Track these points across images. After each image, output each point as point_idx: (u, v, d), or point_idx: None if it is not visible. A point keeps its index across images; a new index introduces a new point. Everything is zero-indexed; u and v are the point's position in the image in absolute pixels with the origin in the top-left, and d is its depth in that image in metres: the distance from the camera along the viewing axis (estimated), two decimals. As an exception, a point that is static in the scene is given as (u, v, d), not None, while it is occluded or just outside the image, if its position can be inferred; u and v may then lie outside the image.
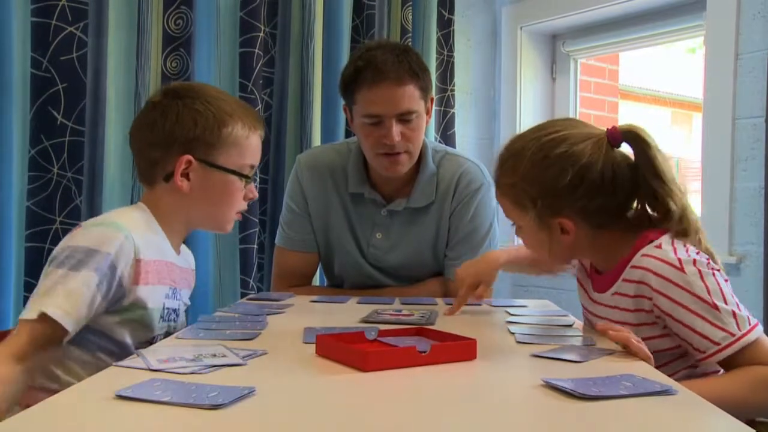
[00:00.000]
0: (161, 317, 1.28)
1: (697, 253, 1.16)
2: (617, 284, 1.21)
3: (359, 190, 1.79)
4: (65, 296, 1.12)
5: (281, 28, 2.45)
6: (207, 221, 1.41)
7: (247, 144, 1.34)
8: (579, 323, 1.35)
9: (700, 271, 1.12)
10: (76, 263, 1.14)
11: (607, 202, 1.19)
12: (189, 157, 1.28)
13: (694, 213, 1.23)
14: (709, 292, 1.10)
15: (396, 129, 1.64)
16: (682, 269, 1.12)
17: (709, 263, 1.14)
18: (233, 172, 1.33)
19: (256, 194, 1.42)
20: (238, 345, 1.07)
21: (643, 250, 1.18)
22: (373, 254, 1.82)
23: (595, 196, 1.18)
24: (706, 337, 1.09)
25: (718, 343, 1.09)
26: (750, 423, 0.99)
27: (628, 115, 3.72)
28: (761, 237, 2.10)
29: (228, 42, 2.36)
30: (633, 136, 1.19)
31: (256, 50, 2.32)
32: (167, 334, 1.31)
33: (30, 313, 1.10)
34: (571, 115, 2.97)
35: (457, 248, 1.80)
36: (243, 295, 2.24)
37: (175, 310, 1.34)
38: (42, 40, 2.01)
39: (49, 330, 1.10)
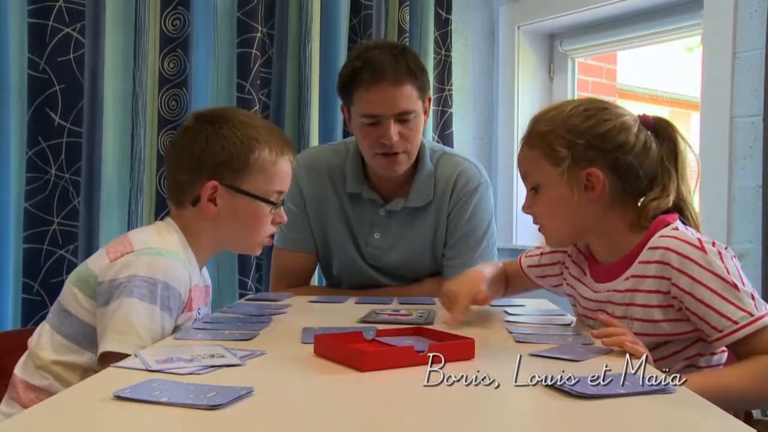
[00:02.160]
0: None
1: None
2: (633, 268, 1.20)
3: (357, 189, 1.79)
4: (148, 335, 1.15)
5: (278, 29, 2.45)
6: (235, 244, 1.44)
7: (275, 170, 1.35)
8: (577, 322, 1.35)
9: (720, 251, 1.13)
10: (149, 295, 1.17)
11: (637, 163, 1.21)
12: (215, 182, 1.30)
13: (696, 211, 1.25)
14: (728, 272, 1.11)
15: (394, 129, 1.64)
16: (702, 249, 1.13)
17: (726, 247, 1.15)
18: (259, 198, 1.34)
19: (284, 219, 1.42)
20: (236, 345, 1.07)
21: (661, 232, 1.18)
22: (371, 254, 1.82)
23: (629, 152, 1.20)
24: (724, 315, 1.09)
25: (736, 322, 1.08)
26: (748, 422, 1.00)
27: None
28: (759, 235, 2.10)
29: (225, 42, 2.36)
30: (662, 121, 1.25)
31: (254, 51, 2.32)
32: None
33: (115, 345, 1.13)
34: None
35: (455, 248, 1.80)
36: (241, 296, 2.24)
37: None
38: (39, 42, 2.01)
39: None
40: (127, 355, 1.09)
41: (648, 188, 1.23)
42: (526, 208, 1.31)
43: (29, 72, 2.01)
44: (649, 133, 1.23)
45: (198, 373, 0.90)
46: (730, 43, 2.19)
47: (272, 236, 1.44)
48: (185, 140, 1.33)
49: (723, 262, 1.12)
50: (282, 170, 1.37)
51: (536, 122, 1.28)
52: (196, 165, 1.31)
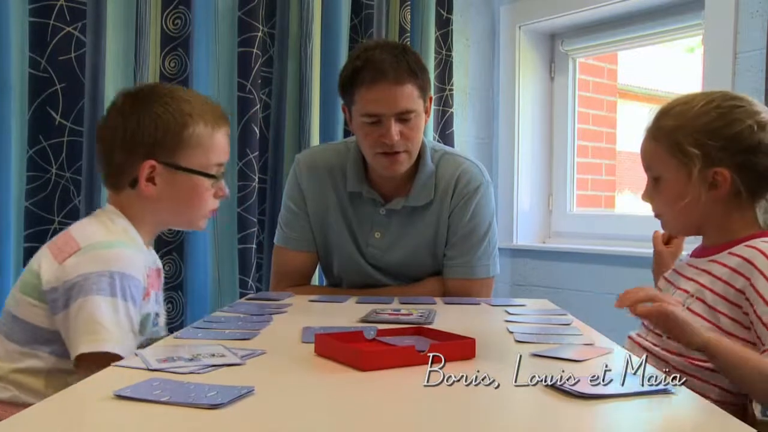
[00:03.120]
0: (152, 323, 1.28)
1: None
2: (721, 255, 1.21)
3: (358, 189, 1.79)
4: (117, 328, 1.13)
5: (279, 28, 2.45)
6: (179, 221, 1.40)
7: (212, 143, 1.32)
8: (577, 322, 1.35)
9: None
10: (109, 289, 1.15)
11: (765, 164, 1.19)
12: (152, 162, 1.27)
13: None
14: None
15: (395, 128, 1.64)
16: None
17: None
18: (199, 173, 1.31)
19: (227, 192, 1.39)
20: (236, 345, 1.07)
21: (763, 238, 1.18)
22: (371, 253, 1.82)
23: (759, 154, 1.18)
24: None
25: None
26: (752, 422, 1.00)
27: (626, 115, 3.72)
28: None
29: (226, 42, 2.36)
30: None
31: (255, 50, 2.32)
32: (151, 339, 1.31)
33: (86, 347, 1.11)
34: (568, 115, 2.98)
35: (456, 247, 1.79)
36: (242, 295, 2.24)
37: (157, 314, 1.34)
38: (40, 40, 2.01)
39: (102, 361, 1.08)
40: (104, 354, 1.09)
41: None
42: (646, 197, 1.32)
43: (30, 71, 2.00)
44: None
45: (198, 373, 0.90)
46: (731, 44, 2.19)
47: (215, 210, 1.40)
48: (116, 121, 1.29)
49: None
50: (219, 142, 1.34)
51: (662, 115, 1.26)
52: (130, 146, 1.27)
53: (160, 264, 1.44)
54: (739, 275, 1.15)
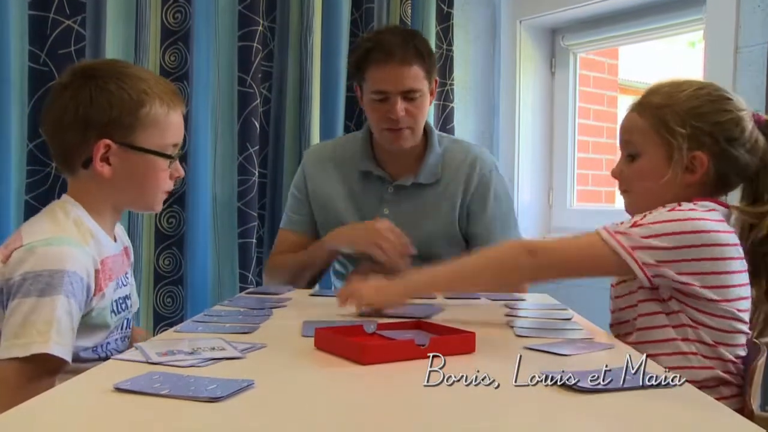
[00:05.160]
0: (113, 312, 1.25)
1: None
2: None
3: (367, 168, 1.89)
4: (47, 326, 1.07)
5: (280, 22, 2.44)
6: (134, 204, 1.36)
7: (167, 122, 1.27)
8: (578, 317, 1.36)
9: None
10: (46, 288, 1.09)
11: (742, 159, 1.21)
12: (107, 141, 1.22)
13: None
14: None
15: (401, 105, 1.76)
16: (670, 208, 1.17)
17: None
18: (155, 153, 1.27)
19: (182, 173, 1.35)
20: (236, 338, 1.07)
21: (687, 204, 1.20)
22: None
23: (739, 147, 1.21)
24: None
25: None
26: (749, 416, 1.00)
27: (627, 110, 3.71)
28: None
29: (227, 36, 2.35)
30: None
31: (255, 44, 2.31)
32: (126, 321, 1.31)
33: (13, 351, 1.05)
34: (569, 110, 2.97)
35: (489, 228, 1.87)
36: (242, 290, 2.24)
37: (125, 297, 1.31)
38: (40, 34, 2.00)
39: (40, 366, 1.06)
40: (36, 356, 1.05)
41: (750, 182, 1.24)
42: (617, 173, 1.32)
43: (30, 64, 2.00)
44: (758, 133, 1.24)
45: (198, 366, 0.90)
46: (733, 39, 2.18)
47: (171, 192, 1.38)
48: (65, 99, 1.22)
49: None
50: (175, 122, 1.29)
51: (651, 93, 1.27)
52: (83, 125, 1.21)
53: (127, 243, 1.41)
54: None
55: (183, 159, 2.28)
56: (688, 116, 1.21)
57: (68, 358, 1.09)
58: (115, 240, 1.33)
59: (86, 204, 1.26)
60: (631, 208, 1.31)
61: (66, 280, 1.11)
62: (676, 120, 1.21)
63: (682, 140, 1.20)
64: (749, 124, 1.22)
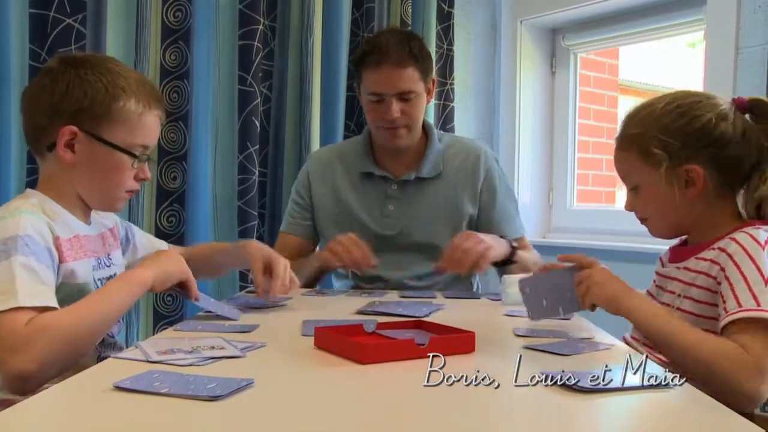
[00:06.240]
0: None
1: None
2: (704, 252, 1.20)
3: (368, 169, 1.91)
4: (14, 285, 1.05)
5: (280, 21, 2.44)
6: (94, 197, 1.33)
7: (140, 122, 1.27)
8: (578, 317, 1.35)
9: None
10: (1, 255, 1.08)
11: (737, 153, 1.20)
12: (73, 128, 1.22)
13: None
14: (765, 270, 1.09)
15: (396, 106, 1.79)
16: (761, 245, 1.12)
17: None
18: (119, 149, 1.26)
19: (148, 175, 1.34)
20: (236, 337, 1.07)
21: (744, 229, 1.18)
22: (387, 224, 1.89)
23: (727, 144, 1.19)
24: (737, 297, 1.08)
25: (741, 305, 1.07)
26: (749, 417, 1.00)
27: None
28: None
29: (227, 35, 2.35)
30: (758, 101, 1.23)
31: (256, 43, 2.31)
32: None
33: None
34: (569, 110, 2.97)
35: (503, 220, 1.92)
36: (242, 288, 2.24)
37: (110, 278, 1.30)
38: (40, 32, 2.00)
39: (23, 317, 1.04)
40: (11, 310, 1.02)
41: (755, 170, 1.21)
42: (628, 207, 1.32)
43: (30, 63, 2.00)
44: (746, 116, 1.22)
45: (198, 365, 0.90)
46: (734, 39, 2.18)
47: (134, 191, 1.35)
48: (45, 82, 1.24)
49: None
50: (147, 123, 1.29)
51: (627, 124, 1.27)
52: (55, 109, 1.23)
53: (110, 224, 1.41)
54: (715, 264, 1.16)
55: (183, 158, 2.28)
56: (665, 135, 1.20)
57: (51, 303, 1.07)
58: (90, 224, 1.32)
59: (52, 189, 1.26)
60: (657, 233, 1.33)
61: (20, 242, 1.10)
62: (655, 143, 1.21)
63: (669, 160, 1.20)
64: (730, 116, 1.20)
